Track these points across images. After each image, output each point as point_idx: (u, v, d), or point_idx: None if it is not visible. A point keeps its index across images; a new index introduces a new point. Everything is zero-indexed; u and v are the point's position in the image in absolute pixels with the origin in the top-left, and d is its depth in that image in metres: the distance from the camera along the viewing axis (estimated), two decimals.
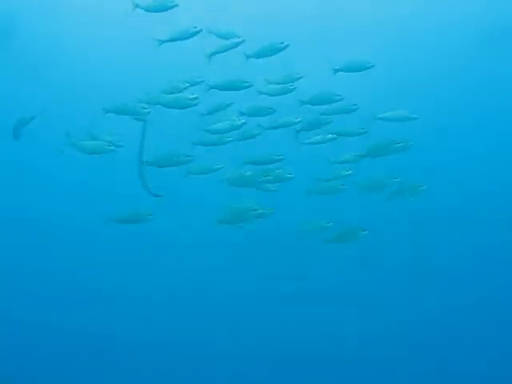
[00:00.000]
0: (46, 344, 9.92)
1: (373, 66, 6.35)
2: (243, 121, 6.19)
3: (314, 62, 8.01)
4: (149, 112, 6.06)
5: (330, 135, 6.35)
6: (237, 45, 6.19)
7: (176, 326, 10.35)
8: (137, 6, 6.28)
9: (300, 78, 6.29)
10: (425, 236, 11.48)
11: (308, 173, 6.45)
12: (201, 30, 6.25)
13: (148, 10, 6.23)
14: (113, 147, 5.97)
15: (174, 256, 10.73)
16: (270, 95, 6.53)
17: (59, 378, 9.38)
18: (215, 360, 9.85)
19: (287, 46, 6.20)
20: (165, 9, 6.18)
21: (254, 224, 5.93)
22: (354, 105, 6.44)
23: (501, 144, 12.66)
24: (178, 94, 6.02)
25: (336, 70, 6.52)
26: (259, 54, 6.36)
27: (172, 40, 6.41)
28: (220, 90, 6.21)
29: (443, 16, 12.11)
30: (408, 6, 12.04)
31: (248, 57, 6.39)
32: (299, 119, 6.45)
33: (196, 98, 6.00)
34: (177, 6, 6.14)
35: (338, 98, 6.40)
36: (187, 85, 6.07)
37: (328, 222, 6.12)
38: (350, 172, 6.29)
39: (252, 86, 6.13)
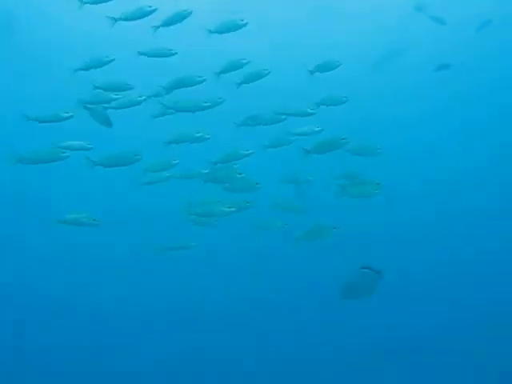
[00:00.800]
0: None
1: (341, 64, 6.37)
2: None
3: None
4: (71, 116, 5.70)
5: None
6: (184, 16, 5.99)
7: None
8: (82, 2, 6.06)
9: (247, 63, 6.03)
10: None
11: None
12: (156, 9, 6.10)
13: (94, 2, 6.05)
14: (67, 154, 5.58)
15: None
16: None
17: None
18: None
19: (247, 23, 6.10)
20: None
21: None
22: (345, 97, 6.35)
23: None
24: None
25: (311, 72, 6.47)
26: (220, 30, 6.23)
27: (126, 19, 6.19)
28: (174, 89, 6.00)
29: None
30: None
31: (211, 32, 6.27)
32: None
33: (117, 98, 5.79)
34: None
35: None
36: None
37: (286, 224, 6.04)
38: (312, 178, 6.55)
39: (206, 80, 5.94)
